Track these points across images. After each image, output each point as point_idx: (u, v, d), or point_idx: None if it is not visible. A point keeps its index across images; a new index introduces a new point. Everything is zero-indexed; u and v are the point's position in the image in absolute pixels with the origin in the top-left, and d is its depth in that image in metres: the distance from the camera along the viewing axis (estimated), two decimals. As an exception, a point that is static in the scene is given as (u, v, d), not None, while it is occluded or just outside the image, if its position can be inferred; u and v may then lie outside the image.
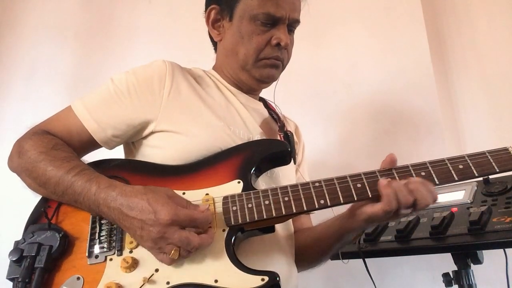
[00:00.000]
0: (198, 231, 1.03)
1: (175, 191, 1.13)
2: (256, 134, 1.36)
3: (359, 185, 1.11)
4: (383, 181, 1.08)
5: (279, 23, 1.35)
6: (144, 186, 1.07)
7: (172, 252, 0.99)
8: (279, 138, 1.40)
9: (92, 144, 1.27)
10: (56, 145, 1.18)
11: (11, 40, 3.14)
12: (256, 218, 1.09)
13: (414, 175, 1.10)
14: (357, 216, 1.15)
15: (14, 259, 1.05)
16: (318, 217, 1.41)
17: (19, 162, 1.18)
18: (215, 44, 1.51)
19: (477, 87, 2.22)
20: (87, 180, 1.09)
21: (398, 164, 1.14)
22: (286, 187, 1.13)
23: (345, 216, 1.22)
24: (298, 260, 1.40)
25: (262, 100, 1.55)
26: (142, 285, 1.03)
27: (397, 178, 1.11)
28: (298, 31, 1.47)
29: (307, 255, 1.42)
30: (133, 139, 1.31)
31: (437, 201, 1.09)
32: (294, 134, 1.51)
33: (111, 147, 1.31)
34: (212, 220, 1.08)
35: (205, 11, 1.46)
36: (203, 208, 1.06)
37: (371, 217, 1.11)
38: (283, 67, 1.43)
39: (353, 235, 1.31)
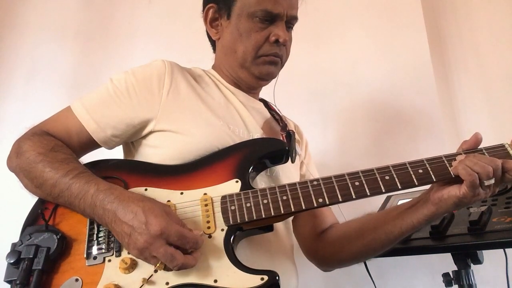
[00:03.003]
0: (185, 251, 1.01)
1: (173, 191, 1.14)
2: (256, 133, 1.36)
3: (357, 183, 1.11)
4: (454, 163, 1.08)
5: (277, 20, 1.35)
6: (144, 195, 1.08)
7: (158, 264, 0.99)
8: (281, 137, 1.40)
9: (91, 144, 1.27)
10: (55, 146, 1.18)
11: (11, 40, 3.14)
12: (254, 218, 1.09)
13: (411, 172, 1.10)
14: (443, 201, 1.11)
15: (11, 261, 1.04)
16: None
17: (17, 162, 1.18)
18: (213, 43, 1.51)
19: (477, 87, 2.21)
20: (86, 182, 1.09)
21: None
22: (284, 186, 1.13)
23: (423, 204, 1.17)
24: (346, 254, 1.37)
25: (262, 101, 1.55)
26: (141, 285, 1.02)
27: (394, 175, 1.11)
28: (297, 31, 1.47)
29: (360, 246, 1.35)
30: (132, 139, 1.31)
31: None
32: (295, 133, 1.51)
33: (110, 147, 1.30)
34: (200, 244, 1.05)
35: (203, 10, 1.46)
36: (197, 232, 1.05)
37: (460, 199, 1.07)
38: (282, 64, 1.43)
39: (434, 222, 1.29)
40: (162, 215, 1.00)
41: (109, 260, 1.07)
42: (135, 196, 1.06)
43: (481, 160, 1.05)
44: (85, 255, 1.08)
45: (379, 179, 1.11)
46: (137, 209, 1.01)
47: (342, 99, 2.33)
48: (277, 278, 1.03)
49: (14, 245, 1.09)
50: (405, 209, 1.24)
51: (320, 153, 2.22)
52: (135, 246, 0.99)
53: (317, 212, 1.47)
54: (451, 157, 1.11)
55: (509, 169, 1.05)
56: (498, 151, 1.11)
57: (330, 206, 1.50)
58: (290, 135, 1.40)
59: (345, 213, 1.49)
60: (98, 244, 1.09)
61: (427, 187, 1.18)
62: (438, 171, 1.10)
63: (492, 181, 1.04)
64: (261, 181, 1.28)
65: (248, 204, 1.10)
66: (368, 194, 1.10)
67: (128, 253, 1.06)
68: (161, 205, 1.05)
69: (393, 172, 1.11)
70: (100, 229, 1.11)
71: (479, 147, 1.13)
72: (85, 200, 1.07)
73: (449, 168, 1.09)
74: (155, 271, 1.04)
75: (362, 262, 1.49)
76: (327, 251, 1.42)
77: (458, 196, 1.08)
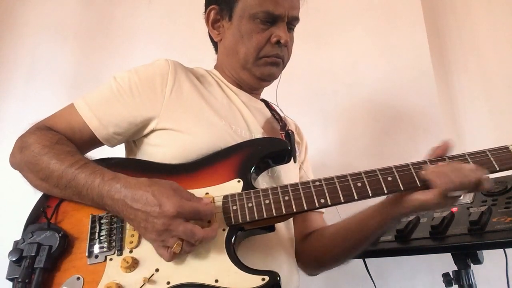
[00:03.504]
0: (201, 224, 1.04)
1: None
2: (258, 133, 1.37)
3: (359, 184, 1.11)
4: (429, 167, 1.09)
5: (278, 21, 1.36)
6: (149, 179, 1.07)
7: (175, 245, 0.99)
8: (280, 137, 1.40)
9: (93, 142, 1.27)
10: (60, 140, 1.19)
11: (11, 40, 3.13)
12: (256, 218, 1.09)
13: (414, 173, 1.10)
14: (407, 202, 1.12)
15: (13, 259, 1.05)
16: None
17: (21, 157, 1.18)
18: (215, 44, 1.52)
19: (477, 87, 2.22)
20: (91, 173, 1.10)
21: (397, 163, 1.14)
22: (286, 186, 1.13)
23: (389, 204, 1.19)
24: (325, 259, 1.39)
25: (263, 101, 1.55)
26: (143, 285, 1.03)
27: (397, 176, 1.11)
28: (298, 32, 1.47)
29: (337, 251, 1.38)
30: (134, 137, 1.31)
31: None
32: (295, 133, 1.52)
33: (112, 144, 1.31)
34: (213, 214, 1.08)
35: (205, 11, 1.46)
36: (207, 201, 1.06)
37: (423, 204, 1.09)
38: (284, 65, 1.44)
39: (397, 222, 1.29)
40: (173, 195, 1.02)
41: (111, 259, 1.08)
42: (141, 181, 1.06)
43: (454, 172, 1.05)
44: (86, 254, 1.09)
45: (381, 180, 1.11)
46: (146, 194, 1.02)
47: (343, 99, 2.33)
48: (278, 278, 1.03)
49: (16, 243, 1.09)
50: (371, 211, 1.26)
51: (321, 153, 2.22)
52: (153, 229, 1.00)
53: (306, 216, 1.47)
54: (452, 158, 1.12)
55: (481, 186, 1.06)
56: (502, 152, 1.10)
57: (322, 210, 1.52)
58: (289, 135, 1.40)
59: (343, 215, 1.49)
60: (100, 242, 1.10)
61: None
62: None
63: (459, 193, 1.05)
64: (262, 181, 1.28)
65: (250, 204, 1.10)
66: (370, 195, 1.10)
67: (132, 248, 1.07)
68: (168, 184, 1.06)
69: (395, 173, 1.11)
70: (102, 227, 1.12)
71: (483, 148, 1.13)
72: (92, 190, 1.08)
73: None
74: (156, 270, 1.04)
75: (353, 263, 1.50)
76: (307, 255, 1.42)
77: (421, 200, 1.09)
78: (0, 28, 3.15)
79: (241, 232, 1.12)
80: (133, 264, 1.05)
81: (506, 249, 1.47)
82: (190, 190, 1.14)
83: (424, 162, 1.12)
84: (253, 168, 1.19)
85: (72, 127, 1.25)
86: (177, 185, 1.07)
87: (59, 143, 1.17)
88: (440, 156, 1.14)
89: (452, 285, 1.42)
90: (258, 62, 1.37)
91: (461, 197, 1.06)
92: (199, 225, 1.03)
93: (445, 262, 1.45)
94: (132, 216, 1.03)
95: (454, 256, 1.41)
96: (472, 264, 1.40)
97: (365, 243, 1.32)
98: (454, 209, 1.46)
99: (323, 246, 1.39)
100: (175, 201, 1.00)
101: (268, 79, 1.43)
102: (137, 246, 1.08)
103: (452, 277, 1.40)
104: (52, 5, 3.16)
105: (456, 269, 1.41)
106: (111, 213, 1.12)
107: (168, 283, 1.03)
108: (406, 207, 1.13)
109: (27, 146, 1.17)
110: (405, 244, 1.44)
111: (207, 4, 1.47)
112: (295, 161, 1.33)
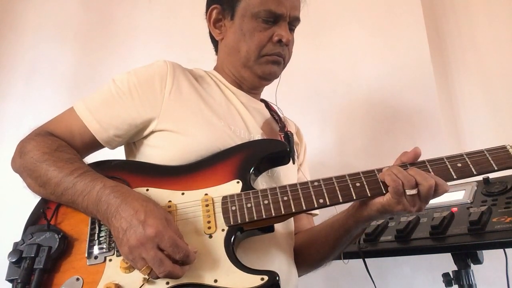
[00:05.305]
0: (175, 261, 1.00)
1: (175, 191, 1.15)
2: (257, 134, 1.37)
3: (358, 184, 1.11)
4: (384, 169, 1.10)
5: (280, 20, 1.37)
6: (150, 197, 1.08)
7: (144, 268, 0.98)
8: (279, 138, 1.40)
9: (94, 145, 1.28)
10: (60, 146, 1.19)
11: (11, 40, 3.13)
12: (255, 218, 1.10)
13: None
14: (370, 206, 1.13)
15: (13, 260, 1.05)
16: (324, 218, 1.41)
17: (21, 162, 1.18)
18: (215, 44, 1.52)
19: (477, 86, 2.22)
20: (92, 180, 1.10)
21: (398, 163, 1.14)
22: (285, 186, 1.14)
23: (354, 207, 1.20)
24: (300, 262, 1.39)
25: (263, 101, 1.55)
26: (142, 285, 1.03)
27: None
28: (298, 31, 1.48)
29: (309, 255, 1.41)
30: (134, 139, 1.31)
31: (439, 191, 1.07)
32: (295, 135, 1.52)
33: (113, 147, 1.31)
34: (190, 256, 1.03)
35: (206, 11, 1.47)
36: (192, 248, 1.02)
37: (383, 206, 1.10)
38: (284, 65, 1.45)
39: (364, 226, 1.29)
40: (161, 219, 1.01)
41: (110, 260, 1.08)
42: (141, 196, 1.07)
43: (408, 172, 1.07)
44: (86, 255, 1.09)
45: (379, 180, 1.11)
46: (139, 207, 1.02)
47: (342, 99, 2.33)
48: (277, 278, 1.03)
49: (16, 244, 1.09)
50: (340, 215, 1.28)
51: (319, 153, 2.22)
52: (127, 243, 0.99)
53: (295, 218, 1.47)
54: (452, 159, 1.11)
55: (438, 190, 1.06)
56: (500, 152, 1.10)
57: (316, 212, 1.53)
58: (288, 136, 1.40)
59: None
60: (99, 243, 1.10)
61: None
62: (439, 171, 1.10)
63: (414, 191, 1.05)
64: (262, 182, 1.28)
65: (249, 205, 1.11)
66: (369, 195, 1.10)
67: (117, 250, 1.06)
68: (163, 211, 1.05)
69: None
70: (102, 228, 1.12)
71: (482, 148, 1.13)
72: (89, 197, 1.08)
73: (451, 170, 1.09)
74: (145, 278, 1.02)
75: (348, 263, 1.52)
76: None
77: (381, 203, 1.10)
78: (0, 28, 3.15)
79: (240, 233, 1.12)
80: (132, 265, 1.05)
81: (506, 249, 1.47)
82: (190, 191, 1.15)
83: (422, 162, 1.12)
84: (252, 169, 1.19)
85: (72, 131, 1.25)
86: (171, 218, 1.07)
87: (58, 150, 1.17)
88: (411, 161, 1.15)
89: (452, 285, 1.42)
90: (259, 60, 1.38)
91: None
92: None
93: (445, 262, 1.45)
94: (117, 224, 1.01)
95: (454, 256, 1.42)
96: (472, 264, 1.40)
97: (336, 249, 1.35)
98: (454, 209, 1.46)
99: (297, 251, 1.40)
100: (160, 224, 0.99)
101: (269, 77, 1.43)
102: (136, 246, 1.08)
103: (452, 277, 1.41)
104: (52, 5, 3.16)
105: (456, 269, 1.41)
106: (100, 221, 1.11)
107: (167, 283, 1.03)
108: (369, 210, 1.14)
109: (27, 152, 1.17)
110: (405, 244, 1.44)
111: (209, 4, 1.47)
112: (293, 163, 1.33)
